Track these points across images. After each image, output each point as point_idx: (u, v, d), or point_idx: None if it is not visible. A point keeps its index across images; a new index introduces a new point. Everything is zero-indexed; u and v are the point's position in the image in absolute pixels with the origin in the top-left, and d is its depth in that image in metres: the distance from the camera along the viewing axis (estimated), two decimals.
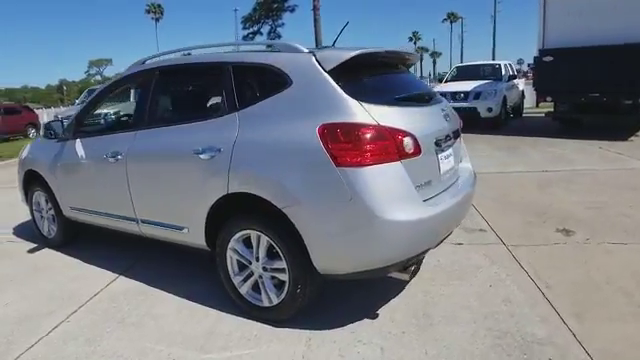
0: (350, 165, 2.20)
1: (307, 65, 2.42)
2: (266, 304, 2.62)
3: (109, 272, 3.47)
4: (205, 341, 2.50)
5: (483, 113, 9.96)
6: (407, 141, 2.32)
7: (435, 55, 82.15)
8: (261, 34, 30.98)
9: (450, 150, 2.83)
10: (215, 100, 2.77)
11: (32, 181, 4.00)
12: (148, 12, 56.34)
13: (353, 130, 2.22)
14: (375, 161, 2.21)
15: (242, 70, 2.67)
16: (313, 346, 2.41)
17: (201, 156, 2.63)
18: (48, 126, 3.53)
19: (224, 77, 2.69)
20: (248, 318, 2.68)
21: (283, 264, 2.47)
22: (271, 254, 2.53)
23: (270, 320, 2.62)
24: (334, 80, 2.35)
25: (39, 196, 4.01)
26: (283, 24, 30.56)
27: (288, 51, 2.57)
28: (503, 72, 11.07)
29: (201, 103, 2.93)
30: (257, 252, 2.58)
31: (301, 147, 2.28)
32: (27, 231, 4.52)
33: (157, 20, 57.23)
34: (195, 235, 2.81)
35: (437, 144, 2.59)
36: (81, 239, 4.10)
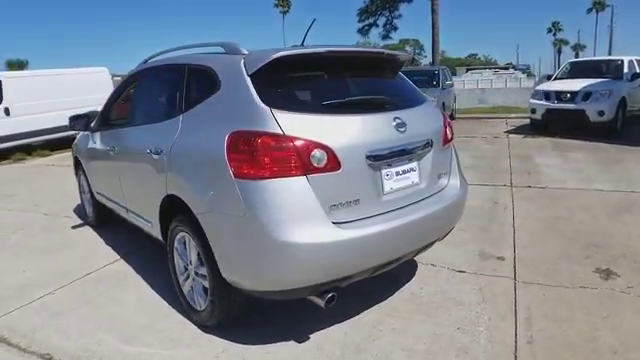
0: (246, 177, 2.04)
1: (234, 68, 2.30)
2: (197, 307, 2.61)
3: (114, 254, 3.81)
4: (137, 333, 2.59)
5: (593, 117, 8.38)
6: (317, 154, 2.06)
7: (578, 48, 71.57)
8: (377, 26, 30.64)
9: (409, 165, 2.45)
10: (171, 102, 2.81)
11: (78, 166, 4.58)
12: (276, 6, 59.31)
13: (251, 139, 2.05)
14: (273, 175, 2.02)
15: (188, 72, 2.66)
16: (221, 358, 2.34)
17: (153, 156, 2.71)
18: (71, 118, 3.99)
19: (176, 79, 2.75)
20: (187, 318, 2.71)
21: (205, 271, 2.42)
22: (200, 259, 2.50)
23: (199, 324, 2.61)
24: (254, 84, 2.19)
25: (82, 179, 4.58)
26: (400, 15, 29.72)
27: (230, 53, 2.47)
28: (625, 69, 9.14)
29: (162, 104, 3.00)
30: (190, 255, 2.57)
31: (212, 155, 2.19)
32: (82, 210, 5.20)
33: (284, 14, 59.96)
34: (156, 230, 2.93)
35: (375, 158, 2.26)
36: (114, 221, 4.56)
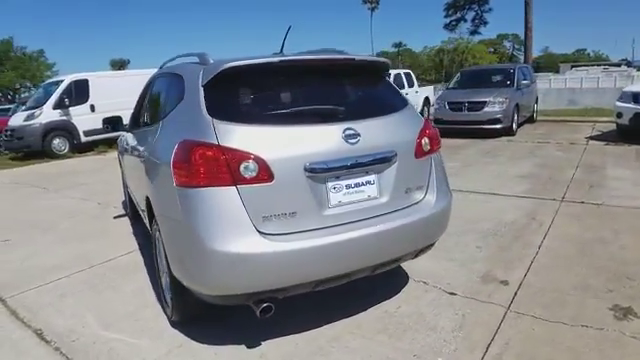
0: (183, 185, 2.13)
1: (194, 78, 2.38)
2: (167, 302, 2.75)
3: (134, 245, 4.15)
4: (117, 321, 2.82)
5: None
6: (249, 165, 2.06)
7: None
8: (465, 21, 29.15)
9: (364, 178, 2.33)
10: (158, 108, 2.99)
11: (121, 164, 5.06)
12: (364, 2, 59.02)
13: (189, 149, 2.12)
14: (205, 184, 2.07)
15: (170, 81, 2.81)
16: (173, 352, 2.45)
17: (141, 158, 2.92)
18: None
19: (164, 86, 2.92)
20: (164, 311, 2.87)
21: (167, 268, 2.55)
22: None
23: (169, 317, 2.75)
24: (205, 95, 2.27)
25: (124, 175, 5.05)
26: (490, 9, 27.96)
27: (200, 63, 2.54)
28: None
29: (154, 109, 3.19)
30: (161, 252, 2.72)
31: (166, 162, 2.29)
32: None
33: (372, 10, 59.37)
34: (149, 227, 3.15)
35: (316, 170, 2.18)
36: None
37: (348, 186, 2.29)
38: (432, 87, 16.71)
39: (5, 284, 3.44)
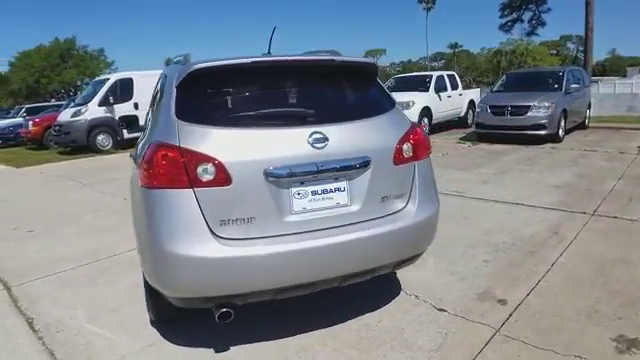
0: (145, 186, 2.14)
1: (172, 78, 2.40)
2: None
3: None
4: (103, 314, 2.90)
5: None
6: (206, 167, 2.04)
7: None
8: (521, 22, 27.68)
9: (333, 185, 2.24)
10: (152, 106, 3.05)
11: None
12: (420, 2, 57.89)
13: (154, 150, 2.13)
14: (164, 185, 2.07)
15: (161, 80, 2.84)
16: (145, 351, 2.49)
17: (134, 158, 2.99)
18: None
19: (158, 86, 2.96)
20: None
21: None
22: None
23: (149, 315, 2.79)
24: (176, 96, 2.28)
25: None
26: (549, 10, 26.34)
27: (182, 63, 2.55)
28: None
29: (150, 109, 3.24)
30: None
31: (138, 162, 2.33)
32: None
33: (428, 10, 58.14)
34: None
35: (278, 175, 2.11)
36: None
37: (314, 192, 2.20)
38: (478, 90, 16.00)
39: (15, 273, 3.66)
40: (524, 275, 3.20)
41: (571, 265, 3.32)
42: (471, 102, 13.88)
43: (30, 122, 14.45)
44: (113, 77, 12.37)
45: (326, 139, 2.19)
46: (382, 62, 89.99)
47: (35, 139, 14.37)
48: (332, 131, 2.22)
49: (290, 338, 2.53)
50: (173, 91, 2.30)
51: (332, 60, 2.47)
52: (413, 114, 10.89)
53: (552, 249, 3.64)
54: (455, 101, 12.84)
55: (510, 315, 2.66)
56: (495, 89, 11.52)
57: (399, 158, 2.40)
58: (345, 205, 2.26)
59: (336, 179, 2.24)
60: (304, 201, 2.18)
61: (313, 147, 2.17)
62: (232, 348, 2.47)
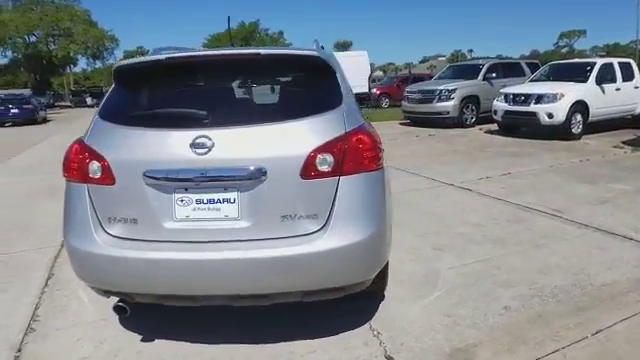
0: (65, 178, 2.27)
1: None
2: None
3: None
4: (77, 303, 2.99)
5: None
6: (93, 165, 2.09)
7: None
8: None
9: (222, 195, 2.02)
10: None
11: None
12: None
13: (71, 143, 2.25)
14: (67, 177, 2.21)
15: None
16: (104, 343, 2.50)
17: None
18: None
19: None
20: None
21: None
22: None
23: None
24: (110, 92, 2.37)
25: None
26: None
27: None
28: None
29: None
30: None
31: None
32: None
33: None
34: None
35: (157, 179, 2.00)
36: None
37: (199, 201, 2.02)
38: None
39: None
40: (539, 339, 2.36)
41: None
42: None
43: None
44: None
45: (210, 144, 1.98)
46: (580, 45, 76.89)
47: None
48: (220, 135, 2.00)
49: (208, 345, 2.38)
50: (111, 86, 2.39)
51: (257, 54, 2.20)
52: (559, 109, 9.10)
53: (610, 311, 2.60)
54: (627, 95, 10.15)
55: None
56: None
57: (311, 171, 1.99)
58: (235, 219, 2.01)
59: (225, 189, 2.01)
60: (187, 209, 2.03)
61: (194, 152, 1.98)
62: (157, 340, 2.44)
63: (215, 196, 2.01)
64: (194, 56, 2.30)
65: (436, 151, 8.57)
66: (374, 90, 21.67)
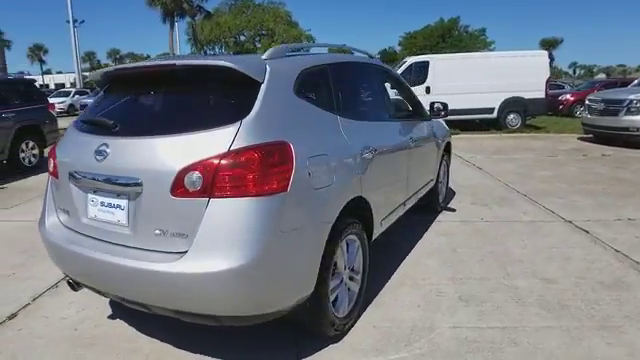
0: None
1: None
2: None
3: None
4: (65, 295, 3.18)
5: None
6: (51, 163, 2.51)
7: None
8: None
9: (116, 201, 2.16)
10: None
11: None
12: None
13: None
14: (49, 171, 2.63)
15: None
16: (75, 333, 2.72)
17: None
18: None
19: None
20: None
21: None
22: None
23: None
24: (98, 97, 2.77)
25: None
26: None
27: None
28: None
29: None
30: None
31: None
32: None
33: None
34: None
35: (76, 179, 2.28)
36: None
37: (102, 203, 2.22)
38: None
39: None
40: None
41: None
42: None
43: None
44: (410, 60, 13.10)
45: (107, 152, 2.14)
46: None
47: None
48: (116, 145, 2.15)
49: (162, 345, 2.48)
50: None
51: (173, 65, 2.23)
52: None
53: None
54: None
55: None
56: None
57: (179, 189, 1.92)
58: (124, 225, 2.13)
59: (118, 195, 2.14)
60: (95, 209, 2.25)
61: (95, 158, 2.17)
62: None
63: (112, 201, 2.17)
64: (124, 68, 2.54)
65: (591, 177, 6.82)
66: (567, 96, 18.54)
